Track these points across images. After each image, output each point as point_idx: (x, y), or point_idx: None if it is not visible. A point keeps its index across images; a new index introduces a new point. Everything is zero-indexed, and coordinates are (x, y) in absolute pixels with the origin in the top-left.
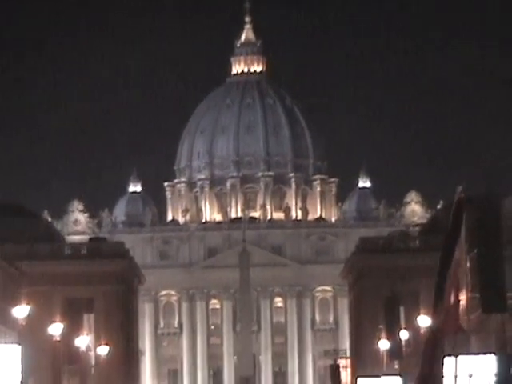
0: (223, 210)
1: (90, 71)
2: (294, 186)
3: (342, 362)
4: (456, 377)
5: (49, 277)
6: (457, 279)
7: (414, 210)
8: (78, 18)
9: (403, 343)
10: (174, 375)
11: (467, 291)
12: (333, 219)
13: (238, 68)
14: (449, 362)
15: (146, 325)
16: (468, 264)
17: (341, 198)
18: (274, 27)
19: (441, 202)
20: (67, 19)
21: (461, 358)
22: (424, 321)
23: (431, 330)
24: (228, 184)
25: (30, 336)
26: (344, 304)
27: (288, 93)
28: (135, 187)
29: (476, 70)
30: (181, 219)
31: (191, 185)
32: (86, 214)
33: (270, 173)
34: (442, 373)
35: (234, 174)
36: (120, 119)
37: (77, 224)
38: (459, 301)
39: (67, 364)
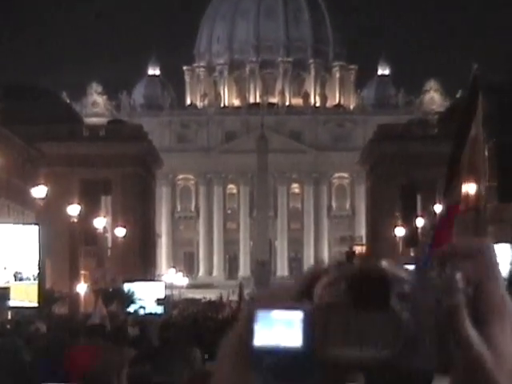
0: (242, 94)
1: None
2: (313, 72)
3: (357, 249)
4: None
5: (67, 158)
6: (473, 158)
7: (433, 98)
8: None
9: (419, 230)
10: (190, 258)
11: (484, 180)
12: (351, 106)
13: None
14: None
15: (163, 208)
16: (486, 153)
17: (360, 85)
18: None
19: (460, 90)
20: None
21: None
22: (440, 209)
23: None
24: (247, 69)
25: (48, 217)
26: (361, 191)
27: None
28: (154, 70)
29: None
30: (199, 103)
31: (210, 69)
32: (105, 97)
33: (290, 58)
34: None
35: (254, 58)
36: (141, 2)
37: (95, 106)
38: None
39: (84, 245)
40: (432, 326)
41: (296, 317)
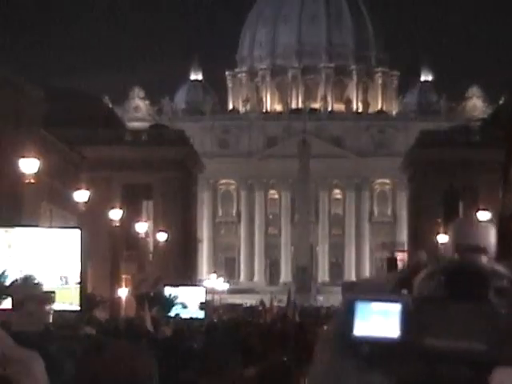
0: (284, 100)
1: None
2: (355, 77)
3: (399, 255)
4: None
5: (109, 162)
6: None
7: (476, 104)
8: None
9: None
10: (232, 263)
11: None
12: (393, 112)
13: None
14: None
15: (205, 213)
16: None
17: (402, 90)
18: None
19: (502, 97)
20: None
21: None
22: (483, 215)
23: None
24: (289, 74)
25: (90, 221)
26: (402, 197)
27: None
28: (196, 75)
29: None
30: (241, 108)
31: (252, 74)
32: (147, 101)
33: (332, 64)
34: None
35: (296, 64)
36: (184, 6)
37: (137, 111)
38: None
39: (125, 250)
40: None
41: (394, 308)
